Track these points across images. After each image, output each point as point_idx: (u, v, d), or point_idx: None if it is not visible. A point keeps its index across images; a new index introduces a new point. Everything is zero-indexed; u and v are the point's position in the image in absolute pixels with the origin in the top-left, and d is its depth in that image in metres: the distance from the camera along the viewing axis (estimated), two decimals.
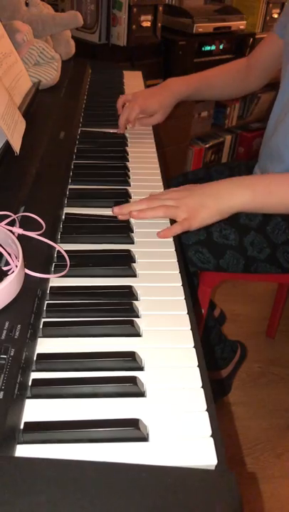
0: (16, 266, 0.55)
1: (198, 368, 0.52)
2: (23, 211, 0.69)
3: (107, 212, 0.78)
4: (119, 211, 0.75)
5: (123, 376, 0.50)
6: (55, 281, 0.63)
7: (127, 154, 0.99)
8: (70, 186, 0.85)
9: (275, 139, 1.06)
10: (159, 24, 1.78)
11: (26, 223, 0.66)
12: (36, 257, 0.61)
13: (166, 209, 0.74)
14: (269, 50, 1.16)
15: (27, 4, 1.21)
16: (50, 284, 0.62)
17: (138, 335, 0.56)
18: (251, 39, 2.11)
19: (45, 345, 0.54)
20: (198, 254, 1.03)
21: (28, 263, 0.58)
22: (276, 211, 0.83)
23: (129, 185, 0.88)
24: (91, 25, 1.72)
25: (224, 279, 1.18)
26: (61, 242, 0.71)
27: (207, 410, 0.48)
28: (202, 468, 0.42)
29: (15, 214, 0.66)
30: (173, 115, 1.20)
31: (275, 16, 2.22)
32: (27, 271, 0.58)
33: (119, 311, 0.59)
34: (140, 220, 0.75)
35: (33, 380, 0.49)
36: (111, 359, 0.52)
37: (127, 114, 1.08)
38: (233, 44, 2.07)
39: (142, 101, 1.11)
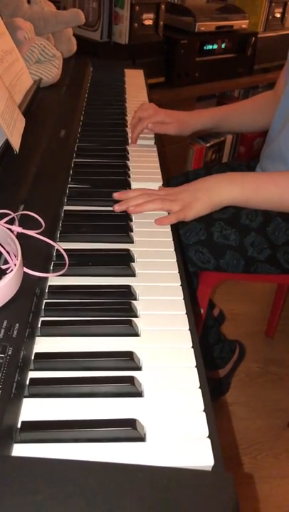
0: (15, 264, 0.55)
1: (196, 369, 0.52)
2: (23, 209, 0.68)
3: (107, 210, 0.78)
4: (120, 208, 0.79)
5: (121, 376, 0.50)
6: (54, 280, 0.63)
7: (128, 153, 0.99)
8: (70, 185, 0.85)
9: (278, 141, 1.06)
10: (161, 22, 1.78)
11: (25, 222, 0.66)
12: (35, 255, 0.61)
13: (162, 202, 0.79)
14: None
15: (29, 1, 1.21)
16: (49, 283, 0.62)
17: (136, 335, 0.56)
18: (253, 38, 2.10)
19: (43, 344, 0.54)
20: (199, 254, 1.03)
21: (26, 262, 0.58)
22: (262, 207, 0.89)
23: (130, 184, 0.87)
24: (93, 23, 1.72)
25: (224, 279, 1.18)
26: (60, 241, 0.71)
27: (204, 411, 0.48)
28: (199, 469, 0.42)
29: (14, 212, 0.66)
30: None
31: (278, 15, 2.22)
32: (26, 269, 0.57)
33: (117, 310, 0.59)
34: (138, 213, 0.79)
35: (31, 379, 0.49)
36: (109, 359, 0.52)
37: (142, 111, 1.08)
38: (236, 43, 2.07)
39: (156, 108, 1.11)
